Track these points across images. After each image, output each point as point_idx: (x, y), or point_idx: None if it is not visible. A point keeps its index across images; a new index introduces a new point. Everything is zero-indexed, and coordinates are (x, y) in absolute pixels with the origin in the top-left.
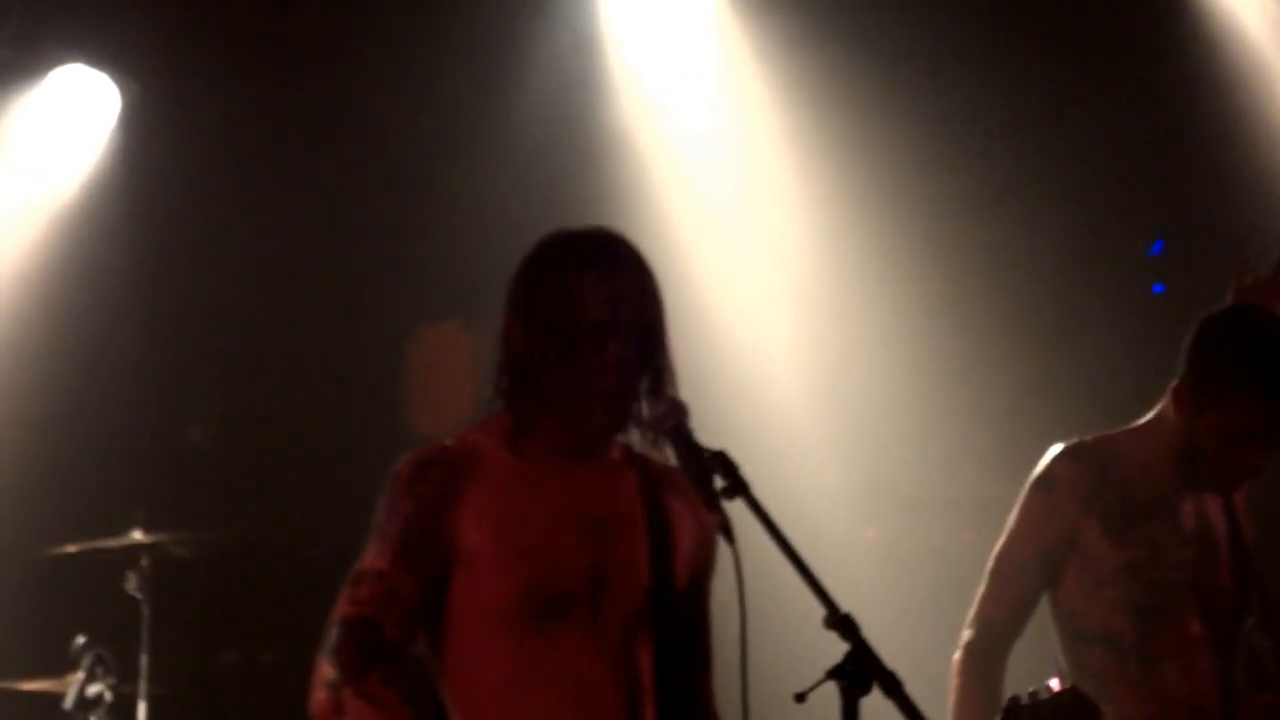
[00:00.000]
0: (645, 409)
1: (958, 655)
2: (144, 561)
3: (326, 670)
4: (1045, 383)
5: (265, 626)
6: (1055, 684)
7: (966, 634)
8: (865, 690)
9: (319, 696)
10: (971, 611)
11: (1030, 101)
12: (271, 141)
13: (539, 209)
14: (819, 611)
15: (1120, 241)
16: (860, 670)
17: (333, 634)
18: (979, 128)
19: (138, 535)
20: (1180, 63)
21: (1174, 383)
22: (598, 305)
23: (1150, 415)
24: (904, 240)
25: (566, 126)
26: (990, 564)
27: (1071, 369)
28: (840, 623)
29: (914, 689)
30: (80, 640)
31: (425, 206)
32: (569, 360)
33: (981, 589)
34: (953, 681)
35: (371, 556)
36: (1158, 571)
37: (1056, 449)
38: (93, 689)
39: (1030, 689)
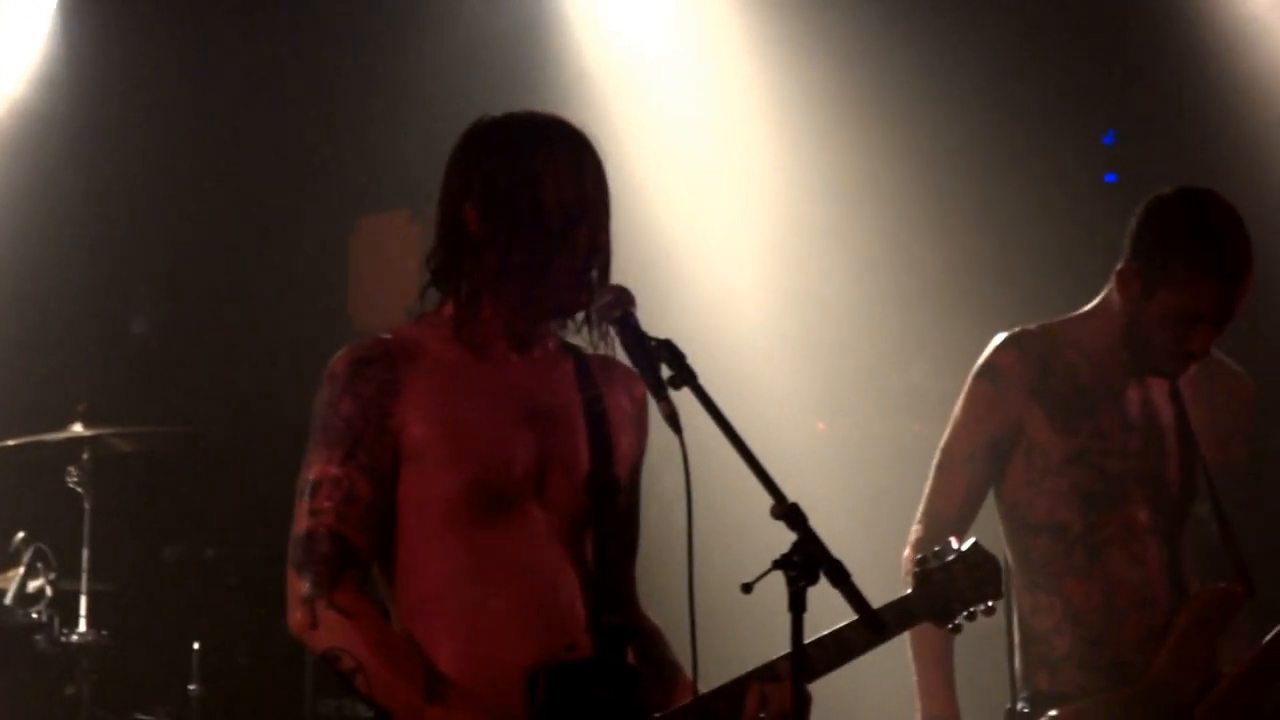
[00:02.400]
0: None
1: (907, 552)
2: (85, 455)
3: (299, 586)
4: (998, 274)
5: (208, 522)
6: (955, 542)
7: (916, 530)
8: (812, 580)
9: (296, 615)
10: (920, 507)
11: None
12: (215, 34)
13: (480, 99)
14: (767, 501)
15: (1073, 132)
16: (807, 560)
17: (297, 549)
18: (934, 26)
19: (79, 429)
20: None
21: (1120, 265)
22: (568, 186)
23: (1094, 302)
24: (855, 133)
25: (515, 19)
26: (937, 457)
27: (1024, 260)
28: (787, 513)
29: (862, 579)
30: (20, 535)
31: (366, 99)
32: (537, 240)
33: (929, 484)
34: (906, 579)
35: (321, 463)
36: (1104, 460)
37: (1000, 338)
38: (33, 584)
39: (935, 549)
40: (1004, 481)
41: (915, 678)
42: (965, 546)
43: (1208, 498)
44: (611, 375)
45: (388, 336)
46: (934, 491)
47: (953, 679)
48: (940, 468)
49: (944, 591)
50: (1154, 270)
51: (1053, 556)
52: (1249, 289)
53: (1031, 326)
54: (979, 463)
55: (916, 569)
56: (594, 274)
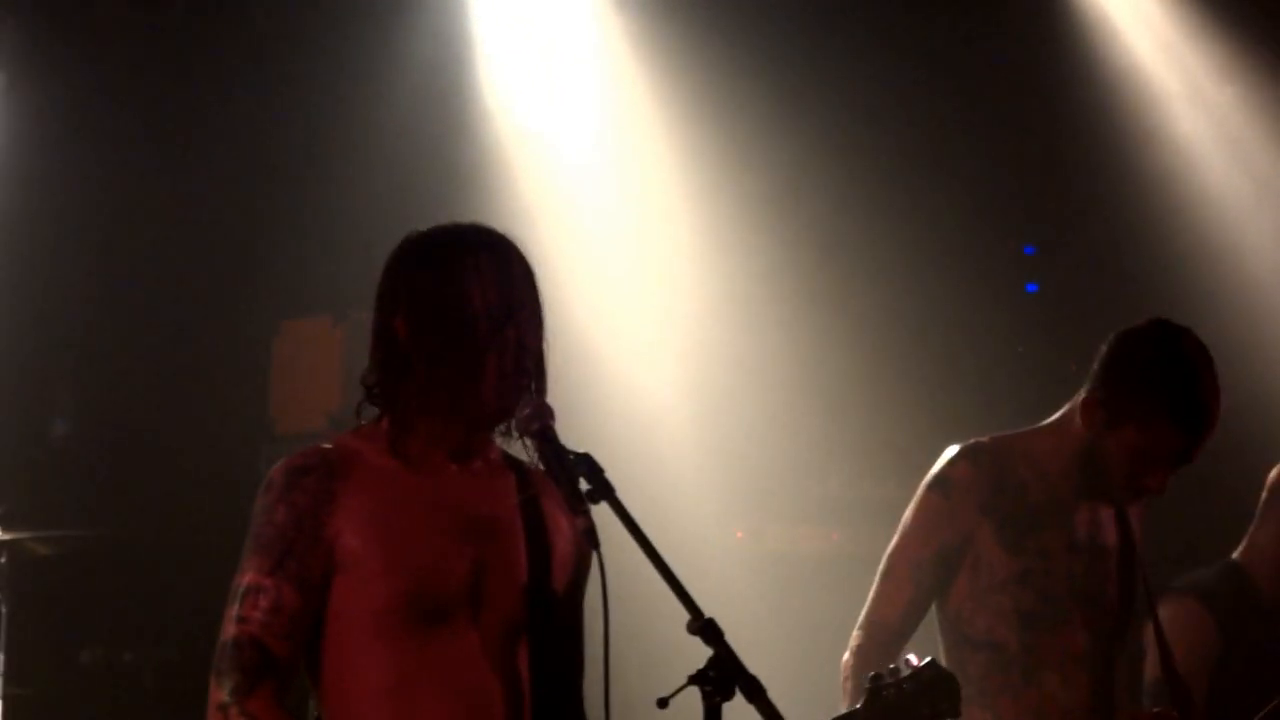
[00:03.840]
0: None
1: (848, 658)
2: (3, 559)
3: (217, 693)
4: (917, 384)
5: (126, 626)
6: (913, 659)
7: (857, 636)
8: (728, 696)
9: None
10: (863, 614)
11: (908, 105)
12: (139, 135)
13: (405, 206)
14: (684, 616)
15: (993, 241)
16: (723, 675)
17: (221, 655)
18: (857, 133)
19: None
20: (1056, 65)
21: (1083, 394)
22: (493, 292)
23: (1053, 419)
24: (776, 242)
25: (437, 126)
26: (883, 565)
27: (944, 370)
28: (703, 628)
29: (779, 692)
30: None
31: (291, 203)
32: (465, 347)
33: (873, 590)
34: (845, 685)
35: (251, 571)
36: (1047, 581)
37: (954, 450)
38: None
39: (890, 665)
40: (948, 594)
41: None
42: (921, 664)
43: (1149, 623)
44: (554, 492)
45: (328, 446)
46: (878, 598)
47: None
48: (885, 575)
49: (894, 709)
50: (1121, 406)
51: (988, 673)
52: (1213, 435)
53: (985, 439)
54: (925, 573)
55: (869, 685)
56: (525, 378)
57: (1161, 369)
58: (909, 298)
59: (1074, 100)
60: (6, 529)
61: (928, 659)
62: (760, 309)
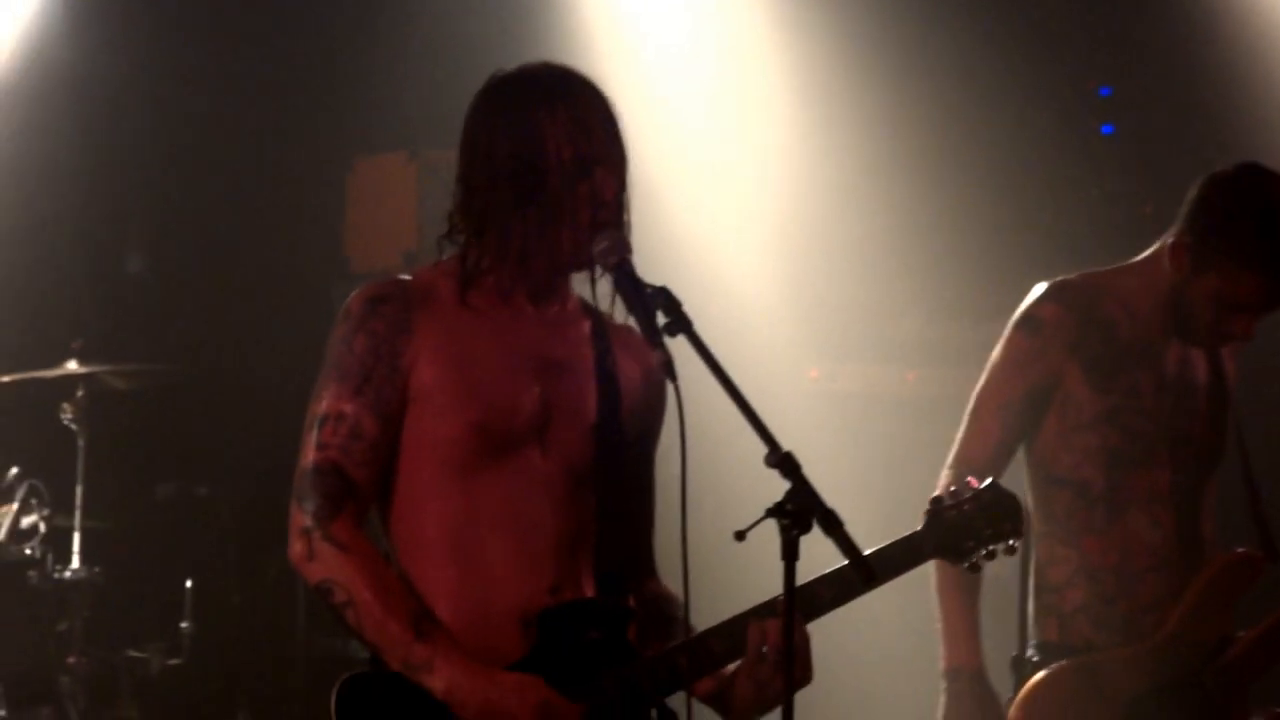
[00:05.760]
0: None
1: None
2: (80, 393)
3: (299, 518)
4: (993, 225)
5: (201, 460)
6: (974, 480)
7: (946, 476)
8: (805, 529)
9: (295, 546)
10: (951, 453)
11: None
12: None
13: (485, 44)
14: (761, 449)
15: (1069, 82)
16: (800, 508)
17: (301, 481)
18: None
19: (73, 366)
20: None
21: (1170, 236)
22: (567, 145)
23: (1142, 257)
24: (855, 86)
25: None
26: (971, 404)
27: (1020, 212)
28: (781, 461)
29: (854, 527)
30: (14, 471)
31: (366, 40)
32: (539, 201)
33: (962, 430)
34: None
35: (330, 398)
36: (1135, 419)
37: (1041, 288)
38: (27, 520)
39: (951, 488)
40: (1036, 434)
41: (939, 625)
42: (982, 486)
43: (1240, 461)
44: (628, 343)
45: (406, 278)
46: (967, 438)
47: (978, 629)
48: (974, 414)
49: (956, 530)
50: (1207, 251)
51: (1073, 512)
52: None
53: (1073, 277)
54: (1014, 413)
55: (930, 507)
56: (600, 230)
57: (1243, 216)
58: (986, 139)
59: None
60: (84, 363)
61: (988, 480)
62: (839, 146)
